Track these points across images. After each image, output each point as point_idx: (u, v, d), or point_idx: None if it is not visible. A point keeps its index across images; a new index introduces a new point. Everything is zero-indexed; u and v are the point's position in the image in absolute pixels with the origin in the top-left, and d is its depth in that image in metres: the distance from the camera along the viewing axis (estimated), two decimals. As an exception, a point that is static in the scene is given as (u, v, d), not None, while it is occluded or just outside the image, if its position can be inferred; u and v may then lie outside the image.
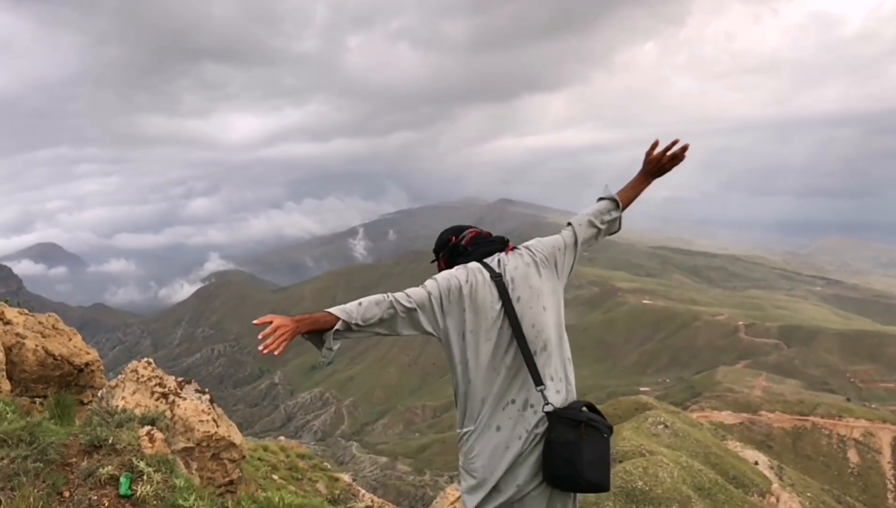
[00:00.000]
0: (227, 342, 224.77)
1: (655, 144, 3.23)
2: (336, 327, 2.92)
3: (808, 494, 46.03)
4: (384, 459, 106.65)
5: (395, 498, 56.20)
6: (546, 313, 2.99)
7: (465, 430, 3.02)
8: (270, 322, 2.79)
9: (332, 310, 2.96)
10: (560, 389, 2.96)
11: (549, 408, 2.87)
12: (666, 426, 46.32)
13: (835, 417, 66.99)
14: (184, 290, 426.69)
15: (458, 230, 3.34)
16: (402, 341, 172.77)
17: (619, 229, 3.31)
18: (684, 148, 3.23)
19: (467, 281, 2.97)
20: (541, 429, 2.90)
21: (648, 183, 3.33)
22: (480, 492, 2.95)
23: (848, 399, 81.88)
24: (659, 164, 3.28)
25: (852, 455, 62.81)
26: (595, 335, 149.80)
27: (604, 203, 3.25)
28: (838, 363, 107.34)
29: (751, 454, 49.00)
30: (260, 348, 2.76)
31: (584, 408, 2.92)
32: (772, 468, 47.23)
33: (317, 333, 2.98)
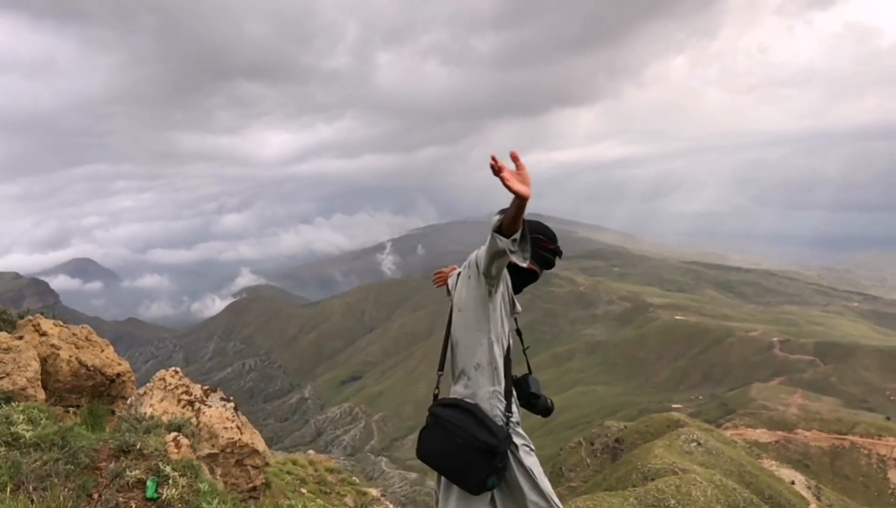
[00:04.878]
0: (257, 356, 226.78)
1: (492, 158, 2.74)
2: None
3: (847, 515, 44.89)
4: (414, 475, 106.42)
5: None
6: (459, 314, 3.32)
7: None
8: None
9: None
10: (466, 386, 3.29)
11: (436, 391, 3.48)
12: (699, 444, 45.49)
13: (874, 436, 65.14)
14: (216, 305, 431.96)
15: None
16: (431, 356, 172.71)
17: (508, 249, 2.97)
18: (493, 167, 2.71)
19: (461, 267, 3.52)
20: None
21: (516, 202, 2.84)
22: None
23: (888, 418, 79.56)
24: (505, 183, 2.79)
25: (893, 476, 60.98)
26: (627, 351, 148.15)
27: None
28: (877, 381, 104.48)
29: (787, 473, 47.89)
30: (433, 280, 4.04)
31: (473, 413, 3.19)
32: (809, 488, 46.10)
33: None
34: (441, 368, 3.48)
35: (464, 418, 3.18)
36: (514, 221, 2.92)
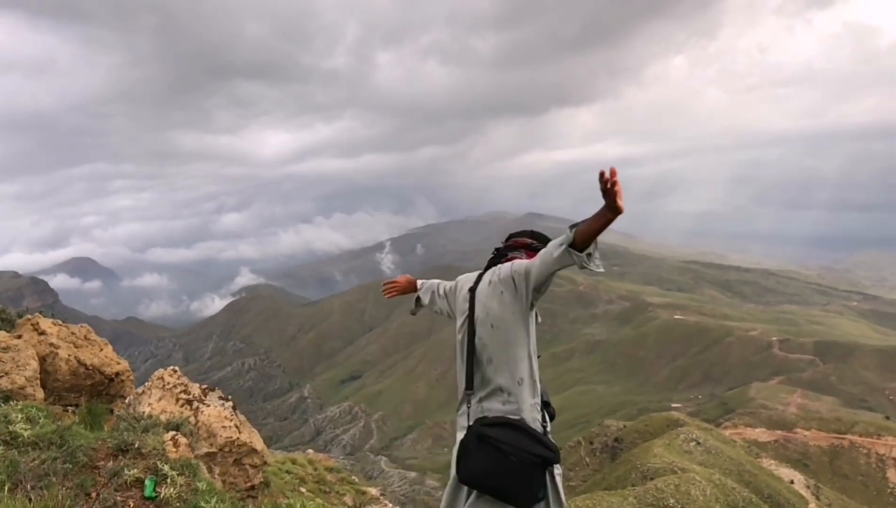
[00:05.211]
0: (257, 355, 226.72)
1: (602, 174, 2.77)
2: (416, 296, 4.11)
3: (846, 514, 44.92)
4: (413, 474, 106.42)
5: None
6: (494, 330, 3.25)
7: (457, 408, 3.52)
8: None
9: (418, 282, 4.19)
10: (506, 403, 3.23)
11: (468, 411, 3.36)
12: (698, 443, 45.52)
13: (873, 435, 65.17)
14: (215, 304, 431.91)
15: (510, 236, 3.70)
16: (430, 356, 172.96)
17: (580, 265, 3.01)
18: (608, 182, 2.74)
19: (460, 286, 3.56)
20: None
21: (606, 215, 2.86)
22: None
23: (887, 417, 79.57)
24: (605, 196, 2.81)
25: (892, 475, 61.01)
26: (626, 350, 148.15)
27: (559, 237, 3.10)
28: (876, 381, 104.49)
29: (786, 472, 47.95)
30: (382, 290, 4.28)
31: (524, 429, 3.16)
32: (808, 487, 46.15)
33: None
34: (470, 387, 3.33)
35: (516, 436, 3.13)
36: (594, 235, 2.93)
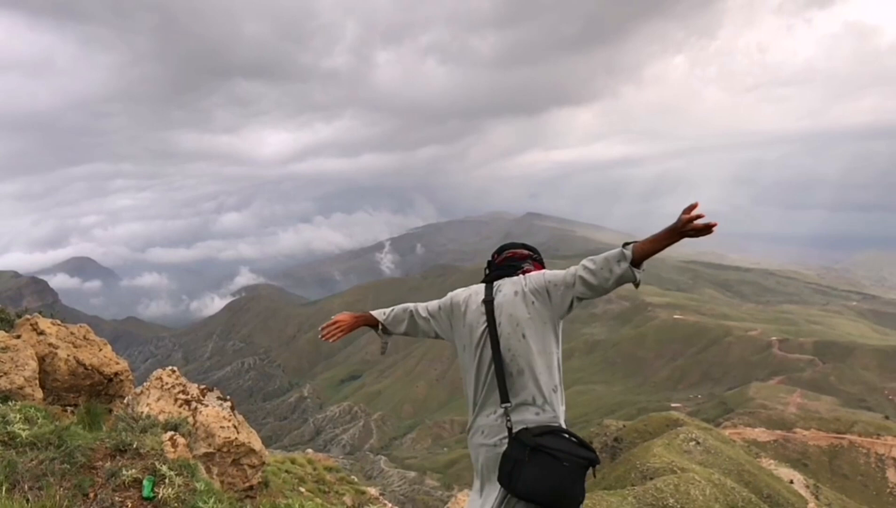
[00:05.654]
0: (256, 355, 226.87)
1: (694, 206, 2.99)
2: (379, 327, 3.69)
3: (846, 514, 44.92)
4: (412, 474, 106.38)
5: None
6: (525, 341, 3.23)
7: (468, 426, 3.44)
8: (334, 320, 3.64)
9: (374, 313, 3.75)
10: (540, 412, 3.22)
11: (508, 424, 3.21)
12: (698, 443, 45.54)
13: (873, 435, 65.19)
14: (215, 303, 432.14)
15: (502, 249, 3.65)
16: (430, 355, 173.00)
17: (637, 281, 3.23)
18: (712, 225, 3.01)
19: (465, 301, 3.43)
20: (507, 441, 3.23)
21: (674, 240, 3.10)
22: (477, 483, 3.41)
23: (886, 417, 79.63)
24: (690, 225, 3.01)
25: (891, 475, 61.04)
26: (625, 350, 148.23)
27: (616, 251, 3.23)
28: (876, 380, 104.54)
29: (786, 472, 47.94)
30: (319, 335, 3.60)
31: (565, 435, 3.16)
32: (808, 487, 46.15)
33: (372, 327, 3.73)
34: (507, 400, 3.24)
35: (563, 441, 3.14)
36: (652, 254, 3.18)
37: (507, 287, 3.36)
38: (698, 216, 2.99)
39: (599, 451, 56.07)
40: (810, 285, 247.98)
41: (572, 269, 3.30)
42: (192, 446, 5.00)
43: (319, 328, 3.59)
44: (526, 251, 3.59)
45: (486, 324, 3.30)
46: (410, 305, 3.71)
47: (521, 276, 3.42)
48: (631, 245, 3.18)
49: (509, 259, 3.53)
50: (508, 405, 3.22)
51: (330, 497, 9.87)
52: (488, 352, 3.28)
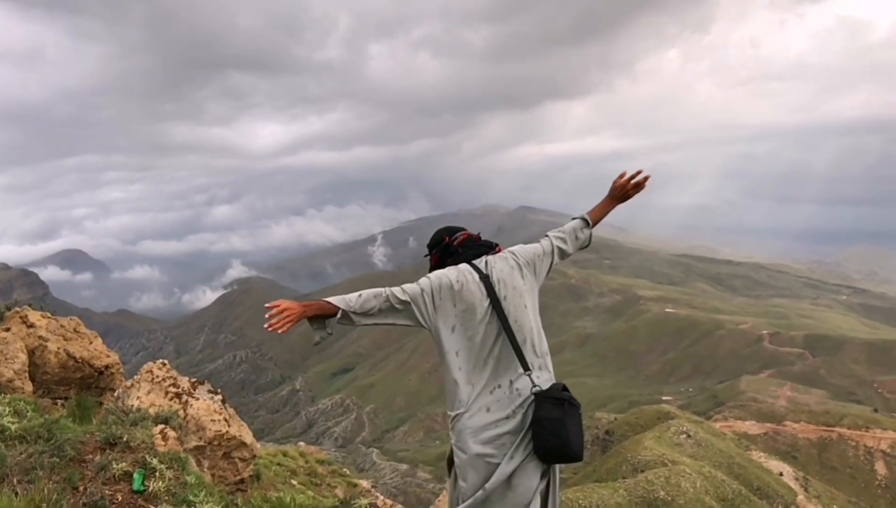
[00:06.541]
0: (248, 348, 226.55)
1: (623, 175, 3.73)
2: (338, 315, 3.26)
3: (835, 506, 45.29)
4: (404, 466, 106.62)
5: (415, 506, 56.16)
6: (526, 310, 3.39)
7: (456, 412, 3.34)
8: (278, 306, 3.12)
9: (333, 300, 3.29)
10: (540, 375, 3.32)
11: (536, 389, 3.22)
12: (689, 436, 45.82)
13: (862, 428, 65.72)
14: (206, 296, 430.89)
15: (451, 231, 3.80)
16: (422, 349, 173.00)
17: (589, 243, 3.82)
18: (646, 178, 3.72)
19: (458, 280, 3.38)
20: (525, 408, 3.23)
21: (614, 207, 3.86)
22: (473, 468, 3.27)
23: (875, 410, 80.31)
24: (624, 190, 3.77)
25: (880, 468, 61.57)
26: (617, 343, 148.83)
27: (577, 222, 3.76)
28: (865, 373, 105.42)
29: (775, 464, 48.29)
30: (266, 325, 3.09)
31: (564, 390, 3.28)
32: (797, 479, 46.52)
33: (322, 318, 3.27)
34: (527, 367, 3.29)
35: (570, 395, 3.27)
36: (600, 221, 3.85)
37: (499, 263, 3.47)
38: (631, 179, 3.71)
39: (591, 444, 56.34)
40: (801, 278, 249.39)
41: (545, 242, 3.67)
42: (183, 439, 4.98)
43: (266, 316, 3.04)
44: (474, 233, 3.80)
45: (490, 300, 3.33)
46: (384, 289, 3.36)
47: (505, 252, 3.58)
48: (588, 214, 3.78)
49: (475, 241, 3.68)
50: (530, 371, 3.28)
51: (322, 490, 9.86)
52: (494, 326, 3.30)
